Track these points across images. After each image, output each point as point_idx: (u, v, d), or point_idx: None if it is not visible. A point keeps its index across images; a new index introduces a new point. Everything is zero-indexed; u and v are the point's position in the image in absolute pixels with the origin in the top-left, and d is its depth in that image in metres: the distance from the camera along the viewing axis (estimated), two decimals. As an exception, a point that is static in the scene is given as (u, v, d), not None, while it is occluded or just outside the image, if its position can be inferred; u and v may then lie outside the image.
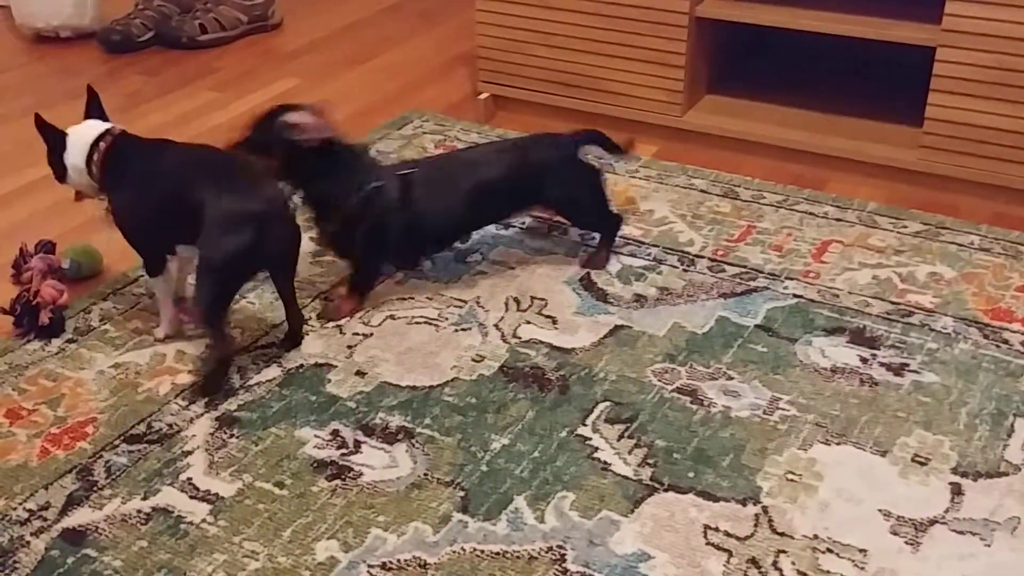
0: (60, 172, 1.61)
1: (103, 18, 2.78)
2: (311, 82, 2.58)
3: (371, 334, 1.66)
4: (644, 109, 2.23)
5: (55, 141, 1.59)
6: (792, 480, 1.36)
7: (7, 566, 1.24)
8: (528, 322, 1.68)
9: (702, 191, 2.06)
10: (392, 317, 1.70)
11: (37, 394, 1.52)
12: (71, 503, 1.33)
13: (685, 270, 1.81)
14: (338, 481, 1.37)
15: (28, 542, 1.27)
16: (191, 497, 1.34)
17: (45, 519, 1.31)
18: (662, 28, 2.12)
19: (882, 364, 1.57)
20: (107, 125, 1.61)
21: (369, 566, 1.24)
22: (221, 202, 1.46)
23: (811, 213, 1.98)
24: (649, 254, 1.85)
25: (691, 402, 1.51)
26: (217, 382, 1.53)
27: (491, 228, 1.93)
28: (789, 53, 2.44)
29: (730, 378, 1.55)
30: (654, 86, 2.20)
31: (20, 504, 1.33)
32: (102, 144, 1.58)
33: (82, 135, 1.59)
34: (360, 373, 1.57)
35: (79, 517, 1.31)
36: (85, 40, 2.78)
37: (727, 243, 1.89)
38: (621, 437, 1.44)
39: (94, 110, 1.65)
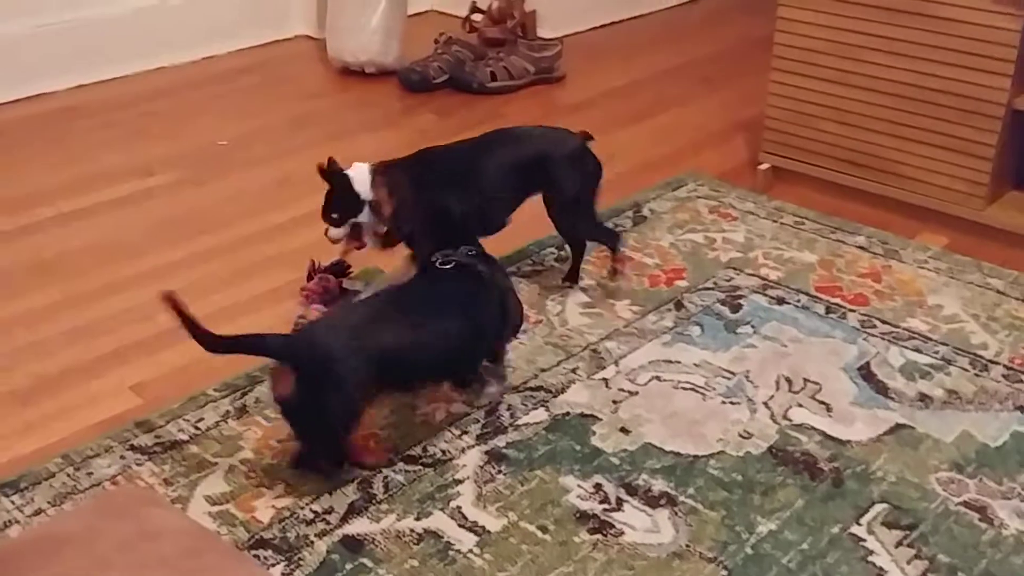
0: None
1: (405, 58, 2.99)
2: (589, 135, 2.65)
3: (636, 392, 1.66)
4: (940, 198, 2.12)
5: None
6: (1097, 627, 1.23)
7: (292, 561, 1.33)
8: (800, 405, 1.63)
9: (999, 292, 1.92)
10: (658, 379, 1.69)
11: (327, 403, 1.63)
12: (352, 511, 1.41)
13: (977, 375, 1.69)
14: (599, 536, 1.38)
15: (312, 542, 1.36)
16: (460, 525, 1.39)
17: (328, 523, 1.39)
18: (973, 117, 2.02)
19: None
20: None
21: (628, 629, 1.24)
22: None
23: None
24: (937, 352, 1.75)
25: (980, 519, 1.40)
26: None
27: (763, 302, 1.89)
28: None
29: (1026, 500, 1.43)
30: (955, 175, 2.08)
31: (307, 505, 1.42)
32: None
33: None
34: (624, 430, 1.57)
35: (358, 526, 1.39)
36: (386, 77, 2.99)
37: (1026, 352, 1.75)
38: (899, 544, 1.36)
39: None
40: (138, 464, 1.50)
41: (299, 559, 1.33)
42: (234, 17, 3.19)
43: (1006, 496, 1.44)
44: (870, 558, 1.34)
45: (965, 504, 1.43)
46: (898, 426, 1.57)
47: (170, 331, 1.84)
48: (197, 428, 1.57)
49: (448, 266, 1.58)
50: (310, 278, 1.90)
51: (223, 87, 2.97)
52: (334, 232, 1.82)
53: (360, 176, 1.78)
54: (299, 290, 1.90)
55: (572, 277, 1.96)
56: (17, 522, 1.39)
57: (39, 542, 0.76)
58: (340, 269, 1.94)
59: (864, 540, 1.37)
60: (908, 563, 1.33)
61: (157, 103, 2.84)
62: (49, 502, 1.42)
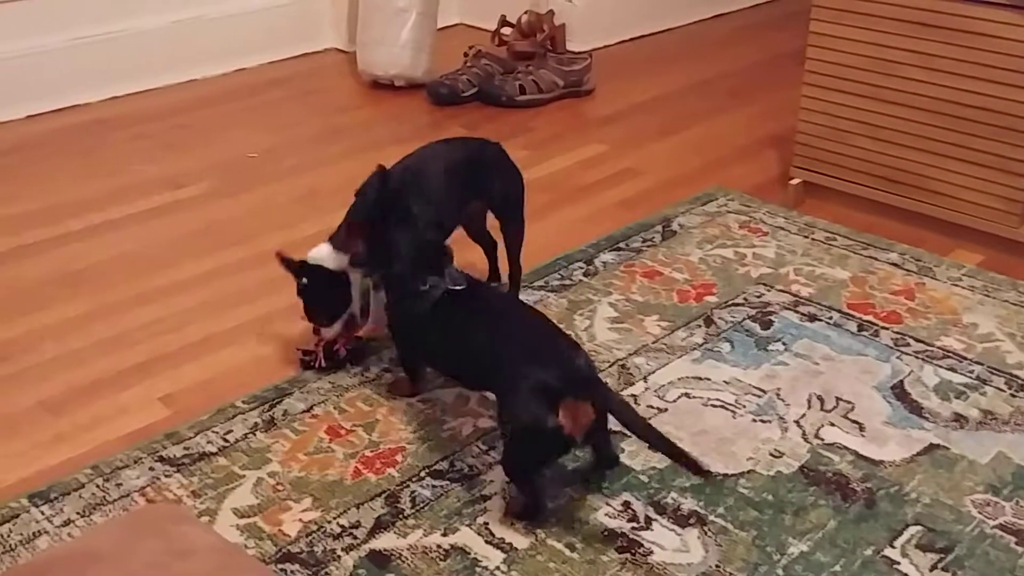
0: None
1: (434, 71, 3.00)
2: (618, 149, 2.64)
3: (666, 409, 1.65)
4: (974, 215, 2.09)
5: None
6: None
7: (319, 576, 1.33)
8: (832, 424, 1.60)
9: (1035, 310, 1.89)
10: (688, 396, 1.68)
11: (355, 416, 1.63)
12: (379, 526, 1.41)
13: (1013, 395, 1.66)
14: (628, 555, 1.36)
15: (339, 557, 1.35)
16: (487, 542, 1.38)
17: (355, 537, 1.39)
18: (1009, 133, 1.99)
19: None
20: None
21: (657, 651, 1.22)
22: None
23: None
24: (972, 371, 1.72)
25: (1016, 543, 1.37)
26: None
27: (794, 319, 1.87)
28: None
29: (1064, 525, 1.40)
30: (990, 192, 2.05)
31: (334, 519, 1.42)
32: None
33: None
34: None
35: (385, 541, 1.38)
36: (415, 90, 3.00)
37: (1064, 372, 1.72)
38: (934, 568, 1.34)
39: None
40: (167, 476, 1.50)
41: (326, 573, 1.33)
42: (265, 30, 3.22)
43: (1044, 520, 1.41)
44: (904, 582, 1.32)
45: (1001, 527, 1.40)
46: (932, 447, 1.55)
47: (199, 342, 1.86)
48: (225, 440, 1.57)
49: (462, 286, 1.53)
50: None
51: (253, 100, 2.99)
52: (328, 332, 1.69)
53: (325, 255, 1.68)
54: None
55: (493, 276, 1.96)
56: (46, 532, 1.40)
57: (71, 558, 0.76)
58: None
59: (898, 563, 1.34)
60: (943, 587, 1.31)
61: (188, 115, 2.87)
62: (78, 513, 1.43)
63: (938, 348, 1.78)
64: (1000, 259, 2.07)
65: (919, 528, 1.40)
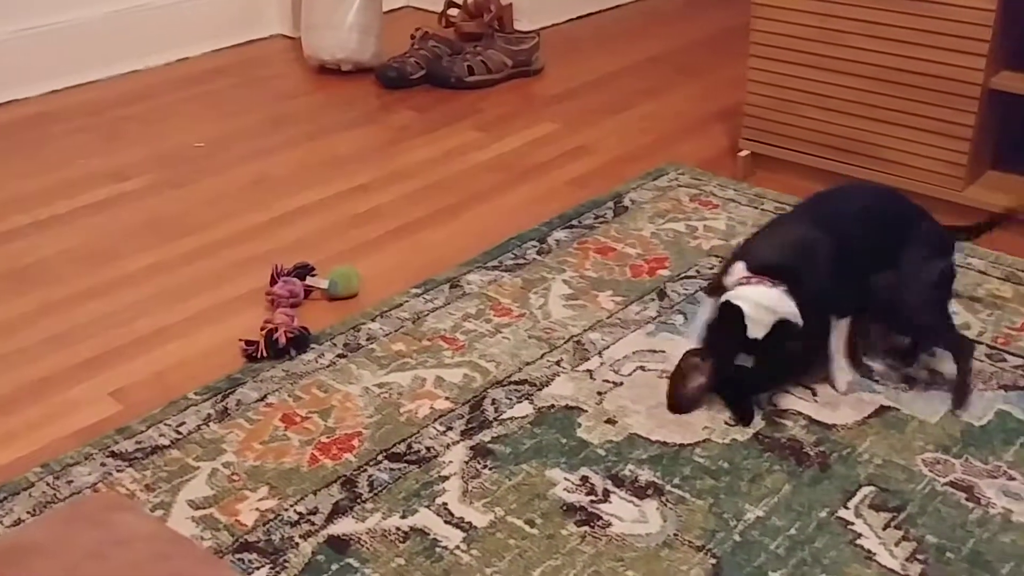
0: None
1: (381, 55, 2.97)
2: (568, 128, 2.64)
3: (621, 383, 1.65)
4: (920, 180, 2.12)
5: None
6: (1086, 603, 1.23)
7: (278, 564, 1.31)
8: (786, 390, 1.62)
9: (980, 272, 1.92)
10: (643, 368, 1.69)
11: (310, 403, 1.62)
12: (337, 512, 1.40)
13: (960, 355, 1.69)
14: (587, 528, 1.37)
15: (297, 544, 1.35)
16: (446, 522, 1.38)
17: (313, 524, 1.38)
18: (950, 98, 2.01)
19: None
20: None
21: (618, 621, 1.23)
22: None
23: (1108, 308, 1.80)
24: (920, 334, 1.75)
25: (966, 499, 1.40)
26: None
27: (747, 289, 1.89)
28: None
29: (1011, 478, 1.43)
30: (934, 157, 2.08)
31: (291, 506, 1.41)
32: None
33: None
34: (610, 421, 1.57)
35: (343, 526, 1.37)
36: (363, 74, 2.97)
37: (1008, 331, 1.75)
38: (887, 526, 1.36)
39: None
40: (119, 471, 1.48)
41: (284, 561, 1.32)
42: (208, 18, 3.16)
43: (992, 475, 1.44)
44: (858, 541, 1.34)
45: (952, 484, 1.43)
46: (883, 408, 1.57)
47: (149, 335, 1.83)
48: (178, 432, 1.55)
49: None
50: (273, 282, 1.88)
51: (198, 89, 2.94)
52: None
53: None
54: (264, 295, 1.88)
55: None
56: (-3, 533, 1.37)
57: (6, 552, 0.74)
58: (304, 271, 1.91)
59: (852, 523, 1.36)
60: (896, 545, 1.33)
61: (132, 107, 2.81)
62: (29, 512, 1.40)
63: (887, 312, 1.81)
64: (946, 222, 2.08)
65: (872, 488, 1.42)
